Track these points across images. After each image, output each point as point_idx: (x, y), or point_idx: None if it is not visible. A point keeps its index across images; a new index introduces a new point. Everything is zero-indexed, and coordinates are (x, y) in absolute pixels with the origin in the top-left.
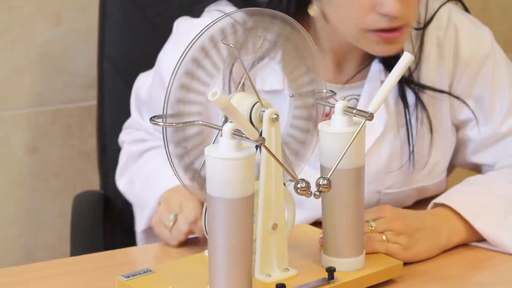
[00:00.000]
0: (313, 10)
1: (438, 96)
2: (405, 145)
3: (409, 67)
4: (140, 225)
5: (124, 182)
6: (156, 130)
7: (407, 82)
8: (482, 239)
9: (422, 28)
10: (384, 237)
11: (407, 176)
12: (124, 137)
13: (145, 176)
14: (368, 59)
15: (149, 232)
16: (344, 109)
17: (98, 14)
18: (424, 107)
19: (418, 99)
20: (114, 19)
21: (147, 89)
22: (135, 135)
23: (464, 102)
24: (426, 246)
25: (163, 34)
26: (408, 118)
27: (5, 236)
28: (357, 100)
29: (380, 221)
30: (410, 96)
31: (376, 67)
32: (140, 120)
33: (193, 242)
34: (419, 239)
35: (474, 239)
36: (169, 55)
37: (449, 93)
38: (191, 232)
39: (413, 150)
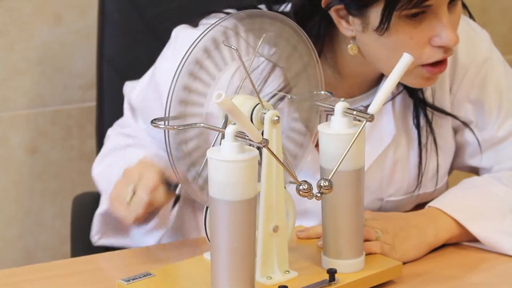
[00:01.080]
0: (354, 50)
1: (439, 100)
2: (414, 166)
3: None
4: (100, 207)
5: (99, 168)
6: (149, 134)
7: (420, 101)
8: (476, 239)
9: None
10: (378, 234)
11: (409, 184)
12: (110, 132)
13: (123, 165)
14: (380, 76)
15: (107, 217)
16: (344, 111)
17: (97, 15)
18: (432, 128)
19: (428, 122)
20: (113, 20)
21: (140, 94)
22: (123, 130)
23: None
24: (413, 245)
25: (162, 35)
26: (421, 139)
27: (5, 236)
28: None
29: None
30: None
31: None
32: (131, 120)
33: (191, 244)
34: (404, 238)
35: (466, 237)
36: (167, 65)
37: (452, 115)
38: (151, 204)
39: (422, 177)
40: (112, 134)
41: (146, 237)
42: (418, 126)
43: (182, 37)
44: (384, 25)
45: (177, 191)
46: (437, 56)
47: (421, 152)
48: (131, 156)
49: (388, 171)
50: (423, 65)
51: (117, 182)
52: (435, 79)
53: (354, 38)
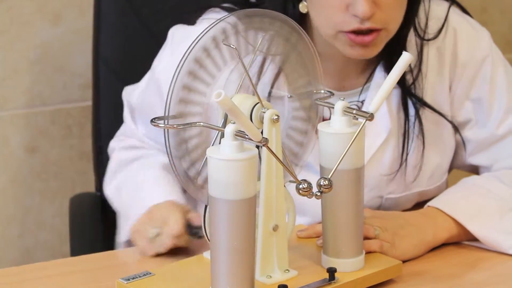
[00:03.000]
0: (303, 7)
1: (438, 97)
2: (413, 162)
3: (412, 77)
4: (122, 235)
5: (111, 189)
6: (149, 138)
7: (409, 94)
8: (476, 238)
9: (429, 39)
10: (377, 232)
11: (408, 181)
12: (114, 144)
13: (133, 187)
14: (369, 66)
15: (130, 245)
16: (344, 110)
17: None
18: (420, 121)
19: (417, 114)
20: (109, 20)
21: (140, 95)
22: (126, 142)
23: (457, 129)
24: (413, 243)
25: (158, 35)
26: (406, 128)
27: (5, 236)
28: (358, 106)
29: None
30: (412, 106)
31: (380, 73)
32: (133, 127)
33: (190, 243)
34: (403, 236)
35: (465, 237)
36: (165, 63)
37: (448, 119)
38: (172, 246)
39: (406, 159)
40: (117, 148)
41: None
42: (406, 116)
43: (178, 35)
44: None
45: (199, 234)
46: (353, 24)
47: (404, 141)
48: (137, 173)
49: (386, 167)
50: (345, 32)
51: (141, 217)
52: (364, 52)
53: None
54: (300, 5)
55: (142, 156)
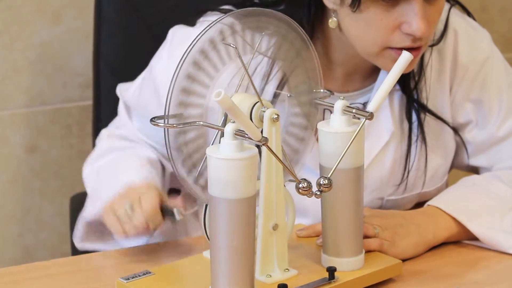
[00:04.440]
0: (333, 23)
1: (439, 99)
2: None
3: (414, 81)
4: (88, 213)
5: (90, 170)
6: (143, 133)
7: (411, 99)
8: (476, 237)
9: (431, 46)
10: (377, 230)
11: (409, 183)
12: (105, 132)
13: (113, 171)
14: (375, 71)
15: (92, 226)
16: (343, 109)
17: (93, 15)
18: (422, 127)
19: (419, 118)
20: (110, 19)
21: (136, 93)
22: (117, 131)
23: (457, 133)
24: (413, 242)
25: (158, 34)
26: (409, 134)
27: (5, 235)
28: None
29: None
30: (414, 110)
31: (383, 76)
32: (127, 120)
33: (190, 242)
34: (404, 235)
35: (465, 236)
36: (164, 65)
37: (449, 124)
38: (146, 227)
39: (408, 173)
40: (105, 135)
41: (132, 240)
42: (409, 122)
43: (178, 36)
44: (356, 1)
45: (176, 217)
46: (404, 42)
47: (410, 148)
48: (122, 165)
49: (387, 170)
50: (392, 48)
51: (115, 197)
52: (409, 65)
53: (335, 11)
54: (330, 21)
55: (130, 147)
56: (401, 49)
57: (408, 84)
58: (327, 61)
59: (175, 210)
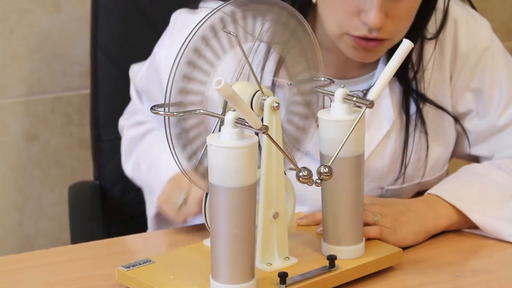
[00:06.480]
0: None
1: (439, 89)
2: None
3: (413, 72)
4: (150, 210)
5: (130, 167)
6: (153, 116)
7: (411, 90)
8: (476, 226)
9: (431, 38)
10: (376, 218)
11: (409, 173)
12: (123, 123)
13: (150, 161)
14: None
15: (160, 218)
16: (344, 97)
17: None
18: (422, 118)
19: (418, 109)
20: (107, 8)
21: (142, 79)
22: (133, 118)
23: (458, 121)
24: (413, 229)
25: (156, 22)
26: (408, 123)
27: (5, 224)
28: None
29: None
30: (414, 101)
31: (382, 66)
32: (139, 103)
33: (191, 230)
34: (404, 222)
35: (465, 224)
36: (165, 51)
37: (449, 113)
38: (199, 211)
39: (406, 166)
40: (126, 126)
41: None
42: (407, 114)
43: (180, 23)
44: None
45: None
46: (361, 31)
47: (407, 139)
48: (151, 147)
49: (388, 159)
50: (350, 35)
51: (167, 187)
52: (365, 56)
53: None
54: None
55: (152, 129)
56: (358, 37)
57: (406, 75)
58: (321, 46)
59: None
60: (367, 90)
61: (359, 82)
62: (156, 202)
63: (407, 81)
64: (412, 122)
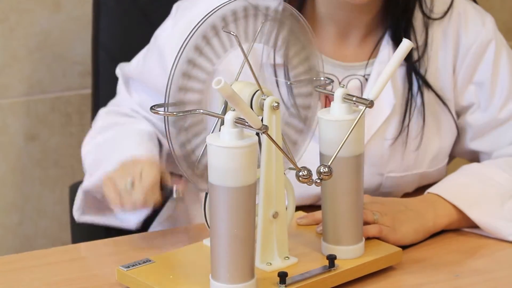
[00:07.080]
0: None
1: (442, 79)
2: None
3: (417, 54)
4: (88, 181)
5: (90, 146)
6: (142, 107)
7: (414, 71)
8: (475, 225)
9: (435, 19)
10: (376, 216)
11: (410, 161)
12: (102, 110)
13: (114, 143)
14: (372, 34)
15: (88, 196)
16: (343, 97)
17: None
18: (422, 96)
19: (419, 89)
20: (108, 7)
21: (140, 62)
22: (117, 108)
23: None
24: (413, 228)
25: (156, 22)
26: (409, 97)
27: (5, 224)
28: (360, 81)
29: None
30: (415, 82)
31: (385, 49)
32: (127, 96)
33: (191, 230)
34: (403, 220)
35: (465, 223)
36: (169, 32)
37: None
38: (144, 203)
39: (408, 126)
40: (104, 112)
41: (131, 215)
42: (410, 91)
43: (182, 7)
44: None
45: (174, 195)
46: None
47: (409, 122)
48: (125, 139)
49: (388, 144)
50: None
51: (116, 169)
52: None
53: None
54: None
55: (130, 122)
56: None
57: (410, 55)
58: (318, 17)
59: (174, 187)
60: (369, 75)
61: (360, 68)
62: (100, 177)
63: (411, 60)
64: (413, 95)
